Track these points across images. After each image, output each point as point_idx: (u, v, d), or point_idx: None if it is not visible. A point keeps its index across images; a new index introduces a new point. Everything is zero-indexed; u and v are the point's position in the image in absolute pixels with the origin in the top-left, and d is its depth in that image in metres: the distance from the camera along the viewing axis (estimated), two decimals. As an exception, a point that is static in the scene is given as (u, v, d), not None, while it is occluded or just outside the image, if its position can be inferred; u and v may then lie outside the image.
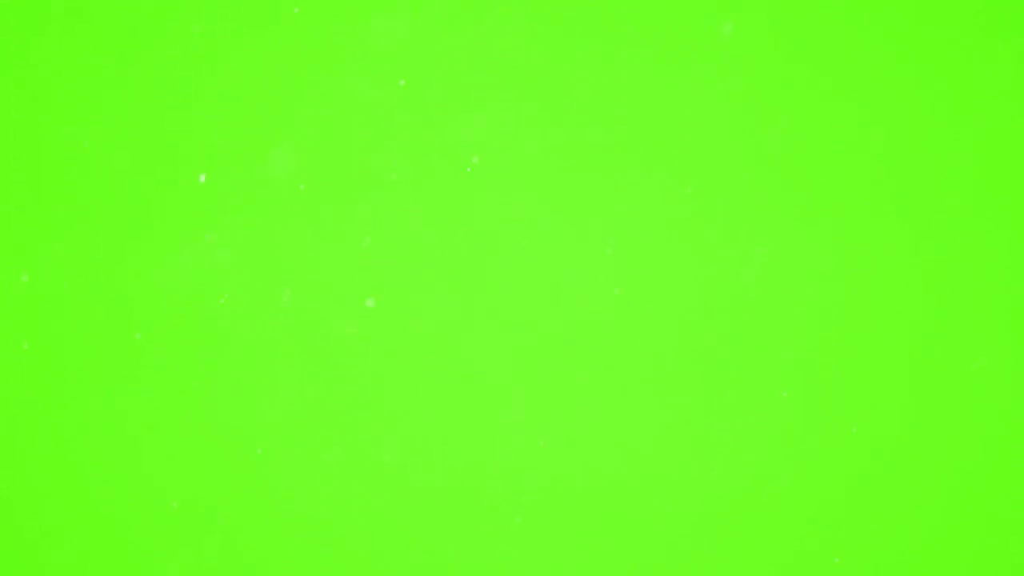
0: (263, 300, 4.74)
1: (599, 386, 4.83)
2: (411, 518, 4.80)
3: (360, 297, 4.72)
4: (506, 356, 4.81)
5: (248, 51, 4.76)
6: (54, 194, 4.78)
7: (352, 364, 4.75)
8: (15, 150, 4.78)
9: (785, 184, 4.84)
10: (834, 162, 4.85)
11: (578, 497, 4.82)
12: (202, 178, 4.69)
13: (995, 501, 4.82)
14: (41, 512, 4.79)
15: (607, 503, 4.81)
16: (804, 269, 4.85)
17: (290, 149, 4.71)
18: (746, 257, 4.84)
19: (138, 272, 4.75)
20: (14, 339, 4.74)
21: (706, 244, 4.83)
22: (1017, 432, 4.81)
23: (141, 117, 4.77)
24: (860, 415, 4.84)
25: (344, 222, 4.77)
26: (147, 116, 4.77)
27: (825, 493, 4.84)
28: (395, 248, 4.76)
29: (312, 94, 4.77)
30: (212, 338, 4.72)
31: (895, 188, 4.86)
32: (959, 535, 4.83)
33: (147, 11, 4.79)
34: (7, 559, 4.77)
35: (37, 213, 4.77)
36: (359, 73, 4.76)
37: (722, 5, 4.84)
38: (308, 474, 4.76)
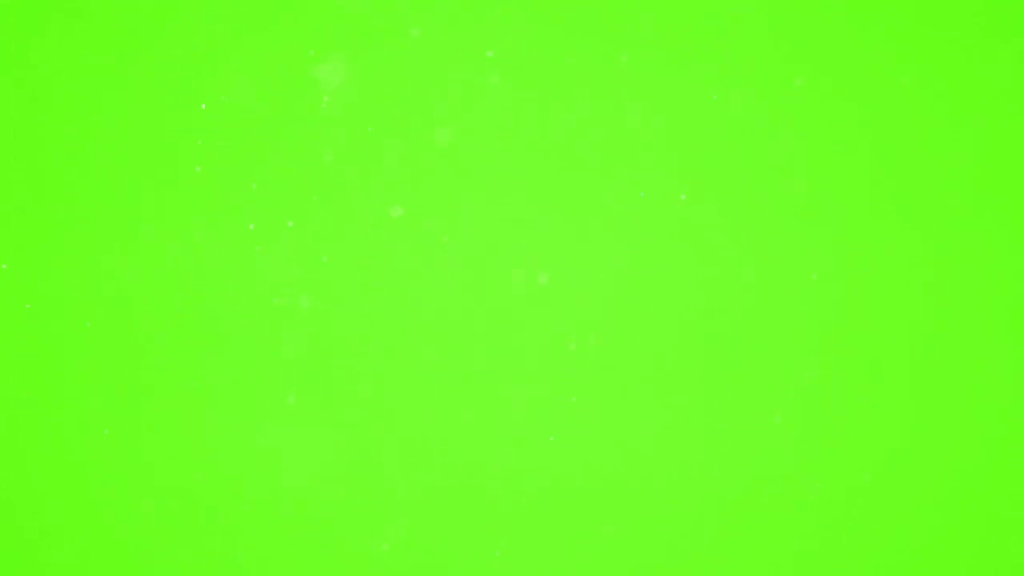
0: (279, 224, 4.73)
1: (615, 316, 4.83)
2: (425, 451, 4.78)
3: (385, 205, 4.72)
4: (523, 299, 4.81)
5: None
6: (52, 162, 4.77)
7: (376, 273, 4.74)
8: (11, 111, 4.76)
9: (790, 177, 4.87)
10: (838, 157, 4.88)
11: (584, 471, 4.81)
12: (203, 106, 4.70)
13: (1001, 491, 4.84)
14: (41, 508, 4.75)
15: (615, 487, 4.80)
16: (807, 264, 4.86)
17: (312, 65, 4.72)
18: (748, 251, 4.85)
19: (149, 220, 4.75)
20: (16, 300, 4.72)
21: (709, 237, 4.85)
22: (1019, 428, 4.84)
23: (142, 47, 4.76)
24: (861, 414, 4.86)
25: (370, 135, 4.76)
26: (150, 44, 4.75)
27: (827, 491, 4.85)
28: (422, 162, 4.75)
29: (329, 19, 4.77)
30: (236, 263, 4.70)
31: (898, 184, 4.89)
32: (966, 530, 4.84)
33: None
34: (7, 556, 4.73)
35: (35, 189, 4.76)
36: None
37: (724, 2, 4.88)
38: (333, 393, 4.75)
